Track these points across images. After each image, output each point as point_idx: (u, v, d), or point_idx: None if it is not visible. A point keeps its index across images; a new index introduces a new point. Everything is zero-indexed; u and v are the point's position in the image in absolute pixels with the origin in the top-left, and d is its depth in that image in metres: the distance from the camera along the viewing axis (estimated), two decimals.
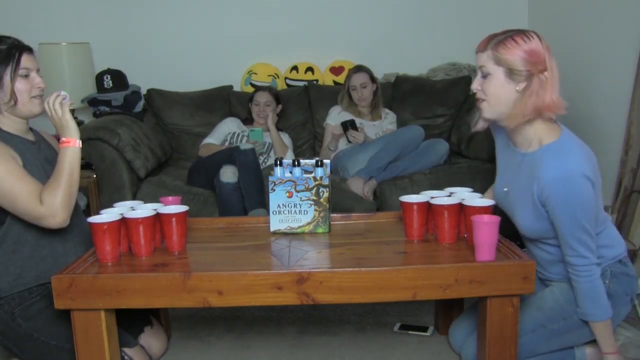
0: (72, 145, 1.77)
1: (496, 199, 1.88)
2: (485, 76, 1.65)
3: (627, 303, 1.77)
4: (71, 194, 1.73)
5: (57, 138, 1.82)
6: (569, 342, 1.78)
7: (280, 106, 3.42)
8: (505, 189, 1.77)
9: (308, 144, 3.59)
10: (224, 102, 3.59)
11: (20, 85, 1.77)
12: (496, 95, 1.64)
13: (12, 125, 1.81)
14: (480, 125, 1.76)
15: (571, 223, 1.62)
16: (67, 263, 1.76)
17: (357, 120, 3.26)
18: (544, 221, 1.69)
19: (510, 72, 1.61)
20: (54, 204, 1.68)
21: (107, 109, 3.29)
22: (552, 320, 1.74)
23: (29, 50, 1.82)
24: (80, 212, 2.00)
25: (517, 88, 1.62)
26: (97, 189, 3.05)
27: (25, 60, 1.78)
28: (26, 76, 1.78)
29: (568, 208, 1.61)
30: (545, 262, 1.83)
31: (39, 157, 1.84)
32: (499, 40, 1.62)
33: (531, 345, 1.75)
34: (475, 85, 1.68)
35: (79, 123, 3.45)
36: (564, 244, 1.66)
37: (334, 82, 3.72)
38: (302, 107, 3.59)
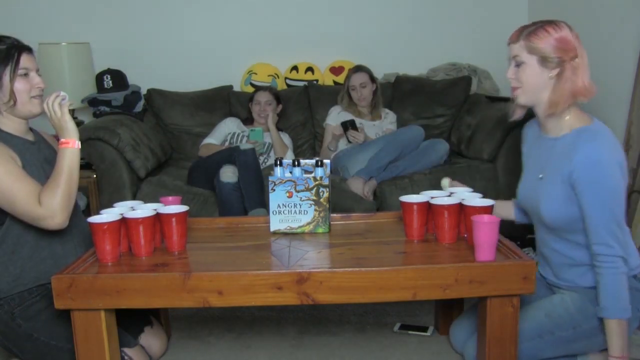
0: (70, 147, 1.76)
1: (521, 196, 1.89)
2: (518, 65, 1.72)
3: (636, 319, 1.75)
4: (70, 195, 1.73)
5: (58, 138, 1.82)
6: (575, 350, 1.78)
7: (280, 106, 3.42)
8: (540, 176, 1.78)
9: (308, 144, 3.59)
10: (224, 102, 3.59)
11: (19, 85, 1.76)
12: (530, 82, 1.71)
13: (11, 125, 1.81)
14: (517, 114, 1.83)
15: (600, 208, 1.62)
16: (66, 264, 1.76)
17: (357, 120, 3.25)
18: (572, 206, 1.68)
19: (544, 60, 1.68)
20: (52, 205, 1.67)
21: (107, 109, 3.29)
22: (561, 328, 1.73)
23: (29, 50, 1.82)
24: (80, 213, 2.00)
25: (550, 74, 1.69)
26: (97, 189, 3.04)
27: (25, 60, 1.78)
28: (25, 75, 1.78)
29: (598, 192, 1.62)
30: (557, 266, 1.82)
31: (38, 158, 1.83)
32: (530, 30, 1.70)
33: (536, 350, 1.75)
34: (510, 74, 1.75)
35: (79, 123, 3.45)
36: (591, 232, 1.65)
37: (334, 82, 3.72)
38: (302, 107, 3.59)
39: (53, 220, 1.68)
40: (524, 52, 1.70)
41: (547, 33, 1.67)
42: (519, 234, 2.97)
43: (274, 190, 1.93)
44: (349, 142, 3.20)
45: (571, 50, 1.68)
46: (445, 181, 2.05)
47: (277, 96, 3.40)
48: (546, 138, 1.80)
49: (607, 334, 1.66)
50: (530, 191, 1.83)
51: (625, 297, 1.64)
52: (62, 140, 1.76)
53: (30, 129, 1.90)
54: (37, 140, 1.89)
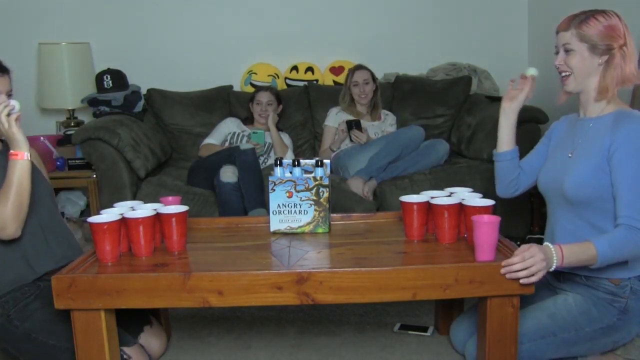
0: (20, 158, 1.73)
1: (541, 179, 1.89)
2: (568, 52, 1.76)
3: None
4: (21, 206, 1.72)
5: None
6: (576, 352, 1.77)
7: (281, 106, 3.42)
8: (569, 155, 1.81)
9: (308, 144, 3.59)
10: (224, 102, 3.59)
11: None
12: (580, 68, 1.75)
13: None
14: (562, 100, 1.86)
15: (637, 181, 1.63)
16: (42, 263, 1.78)
17: (362, 123, 3.25)
18: (599, 179, 1.69)
19: (593, 47, 1.72)
20: (3, 217, 1.68)
21: (107, 109, 3.29)
22: (563, 330, 1.73)
23: (2, 71, 1.79)
24: (54, 211, 1.97)
25: (600, 61, 1.73)
26: (97, 189, 3.04)
27: None
28: None
29: (637, 165, 1.64)
30: None
31: (4, 166, 1.80)
32: (581, 19, 1.75)
33: (537, 352, 1.74)
34: (559, 61, 1.79)
35: (79, 123, 3.46)
36: (622, 205, 1.63)
37: (334, 82, 3.72)
38: (302, 107, 3.59)
39: (5, 231, 1.70)
40: (575, 39, 1.74)
41: (598, 21, 1.72)
42: (519, 234, 2.97)
43: (274, 190, 1.93)
44: (351, 141, 3.21)
45: (620, 37, 1.72)
46: (534, 70, 1.92)
47: (278, 96, 3.41)
48: (584, 120, 1.82)
49: (578, 246, 1.63)
50: (554, 171, 1.83)
51: (618, 258, 1.63)
52: (11, 152, 1.74)
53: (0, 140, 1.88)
54: (4, 149, 1.86)
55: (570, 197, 1.74)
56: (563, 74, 1.79)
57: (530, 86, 1.90)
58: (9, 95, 1.80)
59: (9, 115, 1.73)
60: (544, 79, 3.27)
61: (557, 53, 1.80)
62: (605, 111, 1.76)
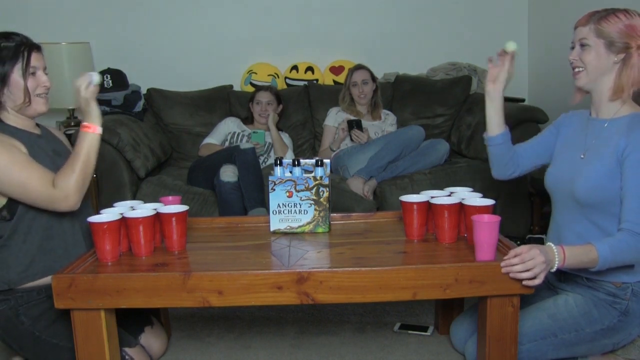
0: (92, 132, 1.76)
1: (550, 178, 1.87)
2: (583, 47, 1.74)
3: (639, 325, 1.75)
4: (85, 178, 1.73)
5: (67, 134, 1.81)
6: (577, 353, 1.77)
7: (281, 106, 3.42)
8: (582, 156, 1.79)
9: (308, 144, 3.59)
10: (224, 102, 3.59)
11: (27, 83, 1.77)
12: (594, 64, 1.73)
13: (17, 121, 1.80)
14: (577, 99, 1.84)
15: None
16: (77, 254, 1.77)
17: (363, 122, 3.25)
18: (611, 182, 1.68)
19: (610, 44, 1.70)
20: (67, 186, 1.68)
21: (107, 108, 3.29)
22: (564, 330, 1.73)
23: (37, 48, 1.82)
24: (90, 204, 1.99)
25: (615, 59, 1.71)
26: (97, 189, 3.04)
27: (34, 58, 1.78)
28: (33, 74, 1.78)
29: None
30: None
31: (46, 150, 1.83)
32: (602, 15, 1.72)
33: (538, 352, 1.74)
34: (573, 56, 1.77)
35: (79, 123, 3.46)
36: (628, 210, 1.63)
37: (334, 82, 3.72)
38: (302, 107, 3.59)
39: (67, 201, 1.69)
40: (592, 35, 1.71)
41: (618, 19, 1.69)
42: (519, 234, 2.97)
43: (274, 189, 1.93)
44: (352, 140, 3.21)
45: (639, 38, 1.69)
46: (512, 44, 1.88)
47: (278, 96, 3.41)
48: (597, 120, 1.80)
49: (580, 248, 1.63)
50: (564, 171, 1.82)
51: (618, 262, 1.62)
52: (84, 124, 1.76)
53: (37, 125, 1.90)
54: (43, 134, 1.89)
55: (581, 200, 1.74)
56: (576, 69, 1.77)
57: (511, 62, 1.87)
58: (45, 71, 1.84)
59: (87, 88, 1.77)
60: (544, 78, 3.27)
61: (572, 48, 1.78)
62: (620, 113, 1.74)
